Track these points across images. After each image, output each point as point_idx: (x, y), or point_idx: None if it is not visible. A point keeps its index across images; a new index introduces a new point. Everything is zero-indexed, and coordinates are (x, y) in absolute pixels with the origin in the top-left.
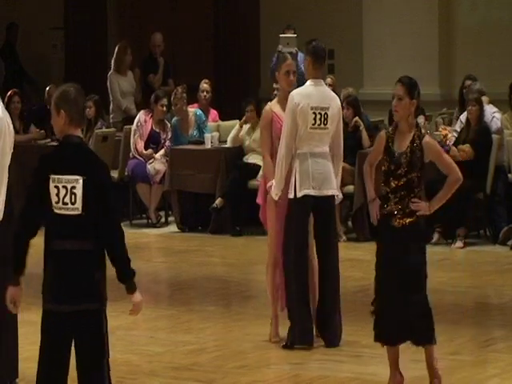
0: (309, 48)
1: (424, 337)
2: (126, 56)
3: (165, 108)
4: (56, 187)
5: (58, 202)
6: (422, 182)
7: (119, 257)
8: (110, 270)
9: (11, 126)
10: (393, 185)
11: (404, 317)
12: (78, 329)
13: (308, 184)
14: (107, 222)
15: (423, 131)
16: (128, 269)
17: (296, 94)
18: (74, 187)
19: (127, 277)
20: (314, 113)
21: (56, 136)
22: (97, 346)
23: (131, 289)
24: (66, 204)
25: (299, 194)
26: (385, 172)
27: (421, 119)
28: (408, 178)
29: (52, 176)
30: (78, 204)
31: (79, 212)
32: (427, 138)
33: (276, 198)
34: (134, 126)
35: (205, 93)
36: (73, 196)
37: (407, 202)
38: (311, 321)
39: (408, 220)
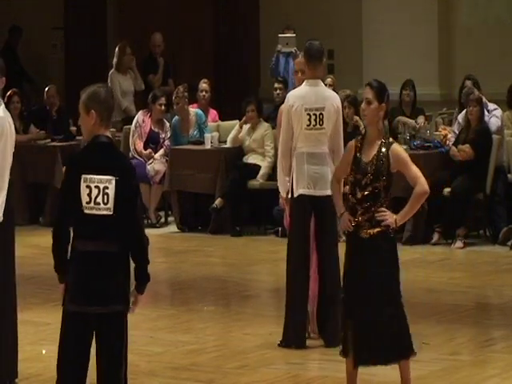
0: (304, 49)
1: (399, 354)
2: (125, 56)
3: (163, 107)
4: (88, 187)
5: (89, 202)
6: (388, 191)
7: (143, 260)
8: None
9: (13, 127)
10: (359, 195)
11: (376, 334)
12: (102, 330)
13: (304, 184)
14: (136, 226)
15: (391, 139)
16: (146, 273)
17: (291, 96)
18: (106, 187)
19: (144, 281)
20: (309, 114)
21: (83, 137)
22: (118, 347)
23: (142, 291)
24: (98, 204)
25: (296, 194)
26: (351, 182)
27: (421, 119)
28: (374, 186)
29: (84, 176)
30: (110, 204)
31: (111, 212)
32: (395, 147)
33: (284, 196)
34: (132, 127)
35: (204, 92)
36: (105, 196)
37: (373, 213)
38: (306, 321)
39: (376, 230)
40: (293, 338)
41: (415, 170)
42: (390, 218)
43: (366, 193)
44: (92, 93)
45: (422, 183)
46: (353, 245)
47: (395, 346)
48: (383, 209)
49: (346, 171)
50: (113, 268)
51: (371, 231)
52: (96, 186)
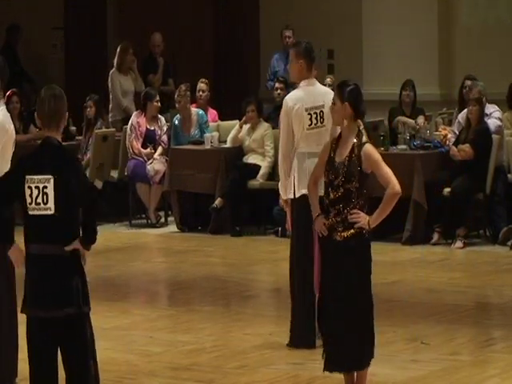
0: (300, 51)
1: (353, 361)
2: (128, 56)
3: (159, 104)
4: (29, 188)
5: (31, 203)
6: (362, 193)
7: (89, 223)
8: (107, 272)
9: (12, 126)
10: (331, 196)
11: (343, 340)
12: (60, 334)
13: (306, 184)
14: (86, 194)
15: (365, 139)
16: (92, 236)
17: (289, 98)
18: (45, 187)
19: (88, 242)
20: (310, 113)
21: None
22: (81, 350)
23: (86, 247)
24: (39, 204)
25: (298, 194)
26: (325, 183)
27: (421, 119)
28: (345, 188)
29: (27, 177)
30: (50, 204)
31: (52, 212)
32: (366, 147)
33: (285, 198)
34: (128, 130)
35: (201, 92)
36: (45, 196)
37: (346, 215)
38: (313, 321)
39: (350, 232)
40: (300, 339)
41: (387, 170)
42: (363, 219)
43: (338, 194)
44: (38, 96)
45: (394, 184)
46: (326, 247)
47: (357, 355)
48: (356, 210)
49: (322, 171)
50: (64, 270)
51: (345, 234)
52: (36, 187)
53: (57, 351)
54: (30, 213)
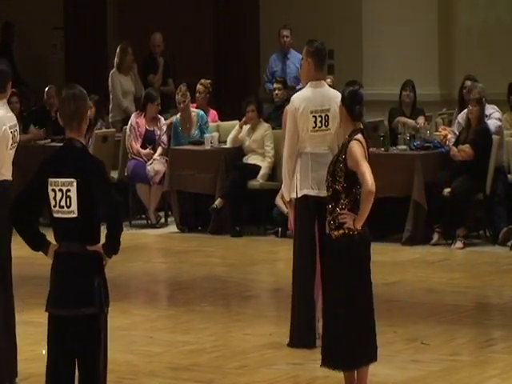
0: (310, 50)
1: (335, 361)
2: (127, 56)
3: (160, 106)
4: (53, 191)
5: (55, 206)
6: (351, 192)
7: (114, 235)
8: (107, 272)
9: (4, 127)
10: (327, 195)
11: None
12: (76, 333)
13: (307, 184)
14: (108, 201)
15: (356, 136)
16: (116, 247)
17: (296, 98)
18: (68, 190)
19: (111, 251)
20: (314, 116)
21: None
22: (94, 351)
23: (109, 256)
24: (62, 207)
25: (299, 194)
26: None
27: (421, 119)
28: (333, 188)
29: (50, 179)
30: (74, 207)
31: (75, 215)
32: (351, 144)
33: (288, 199)
34: (127, 131)
35: (198, 94)
36: (68, 199)
37: (336, 214)
38: (313, 320)
39: (340, 232)
40: (300, 339)
41: (364, 169)
42: (349, 220)
43: (329, 194)
44: (59, 99)
45: (367, 183)
46: (325, 245)
47: (349, 354)
48: (345, 211)
49: None
50: (86, 270)
51: (336, 233)
52: (60, 190)
53: (75, 351)
54: (55, 215)
